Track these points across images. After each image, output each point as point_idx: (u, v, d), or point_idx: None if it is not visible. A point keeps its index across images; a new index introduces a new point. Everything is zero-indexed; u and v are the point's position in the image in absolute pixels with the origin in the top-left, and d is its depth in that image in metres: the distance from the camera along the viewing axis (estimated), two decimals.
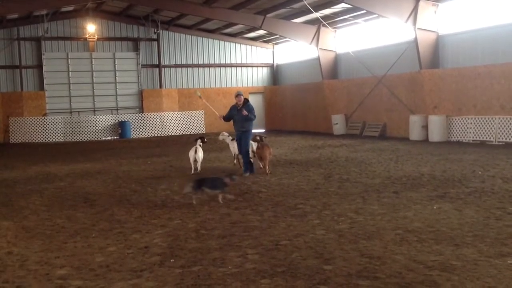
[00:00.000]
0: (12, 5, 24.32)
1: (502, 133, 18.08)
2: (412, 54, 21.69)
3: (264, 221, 7.71)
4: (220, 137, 15.64)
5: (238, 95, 13.34)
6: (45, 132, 28.62)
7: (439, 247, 6.08)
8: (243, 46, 33.13)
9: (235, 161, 14.60)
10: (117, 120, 29.72)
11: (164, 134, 30.47)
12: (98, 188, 11.62)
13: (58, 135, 28.83)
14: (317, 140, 23.17)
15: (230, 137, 14.79)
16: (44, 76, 29.08)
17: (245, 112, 12.82)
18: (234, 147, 14.12)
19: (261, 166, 12.99)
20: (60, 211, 9.07)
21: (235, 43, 32.86)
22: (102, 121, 29.66)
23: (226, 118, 13.56)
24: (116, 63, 30.50)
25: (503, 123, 18.04)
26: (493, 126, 18.42)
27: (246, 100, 13.36)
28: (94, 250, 6.51)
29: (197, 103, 31.71)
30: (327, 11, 24.45)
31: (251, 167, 12.96)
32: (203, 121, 31.61)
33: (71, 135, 29.01)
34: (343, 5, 23.28)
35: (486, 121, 18.66)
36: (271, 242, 6.52)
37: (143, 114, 30.55)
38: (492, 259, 5.54)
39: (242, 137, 13.03)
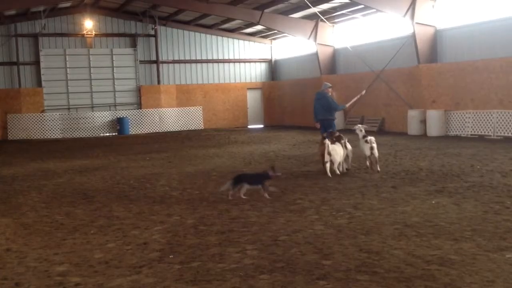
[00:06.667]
0: (10, 2, 24.23)
1: (501, 127, 18.09)
2: (410, 48, 21.68)
3: (263, 217, 7.71)
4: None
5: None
6: (43, 129, 28.58)
7: (438, 241, 6.08)
8: (241, 42, 33.07)
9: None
10: (115, 116, 29.68)
11: (163, 130, 30.45)
12: (97, 184, 11.62)
13: (56, 131, 28.79)
14: (316, 135, 23.13)
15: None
16: (41, 73, 29.01)
17: None
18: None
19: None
20: (59, 208, 9.06)
21: (233, 38, 32.80)
22: (100, 118, 29.62)
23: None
24: (114, 59, 30.42)
25: (501, 117, 18.05)
26: (491, 120, 18.43)
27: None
28: (93, 246, 6.51)
29: (195, 99, 31.71)
30: (325, 6, 24.40)
31: None
32: (201, 117, 31.60)
33: (69, 131, 28.97)
34: (341, 0, 23.26)
35: (484, 115, 18.67)
36: (270, 238, 6.53)
37: (141, 110, 30.51)
38: (491, 253, 5.55)
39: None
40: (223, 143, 20.98)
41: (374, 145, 11.70)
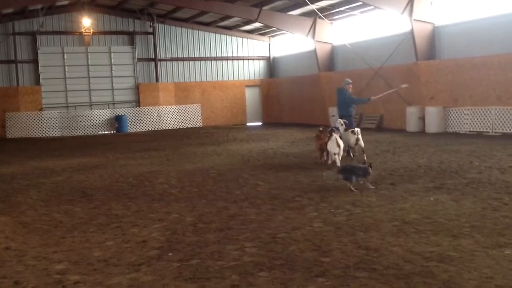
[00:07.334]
0: (7, 0, 24.17)
1: (499, 124, 18.11)
2: (409, 45, 21.66)
3: (262, 214, 7.72)
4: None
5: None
6: (41, 127, 28.55)
7: (436, 238, 6.09)
8: (239, 39, 33.02)
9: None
10: (113, 114, 29.65)
11: (161, 128, 30.42)
12: (96, 182, 11.61)
13: (55, 129, 28.75)
14: (314, 132, 23.15)
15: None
16: (40, 71, 28.96)
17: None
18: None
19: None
20: (57, 206, 9.06)
21: (231, 36, 32.76)
22: (99, 116, 29.58)
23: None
24: (112, 57, 30.37)
25: (499, 114, 18.06)
26: (489, 117, 18.44)
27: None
28: (92, 244, 6.51)
29: (194, 97, 31.69)
30: (323, 3, 24.39)
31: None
32: (200, 115, 31.59)
33: (67, 129, 28.94)
34: None
35: (483, 112, 18.68)
36: (268, 235, 6.53)
37: (139, 108, 30.48)
38: (489, 250, 5.56)
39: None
40: (222, 141, 20.97)
41: (360, 136, 12.60)
